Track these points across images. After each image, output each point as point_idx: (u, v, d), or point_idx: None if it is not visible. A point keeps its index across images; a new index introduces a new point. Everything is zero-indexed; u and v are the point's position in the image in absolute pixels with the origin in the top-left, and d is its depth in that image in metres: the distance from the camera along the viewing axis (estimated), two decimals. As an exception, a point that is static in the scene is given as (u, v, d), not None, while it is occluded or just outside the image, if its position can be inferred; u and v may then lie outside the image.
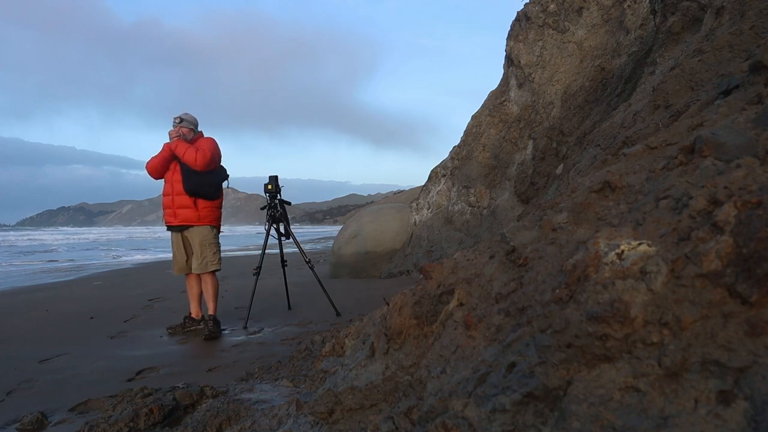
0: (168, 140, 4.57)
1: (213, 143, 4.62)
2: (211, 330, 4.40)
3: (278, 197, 5.23)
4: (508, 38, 7.61)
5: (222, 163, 4.75)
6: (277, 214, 5.22)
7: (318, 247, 20.24)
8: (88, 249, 23.17)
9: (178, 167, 4.55)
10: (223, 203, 4.85)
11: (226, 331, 4.59)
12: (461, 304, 1.20)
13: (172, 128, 4.56)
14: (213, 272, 4.66)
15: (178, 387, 2.49)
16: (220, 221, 4.74)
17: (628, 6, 5.91)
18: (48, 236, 46.70)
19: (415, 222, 8.74)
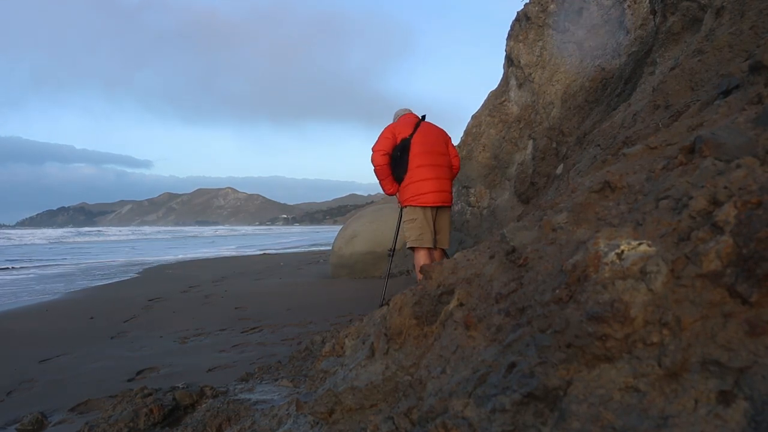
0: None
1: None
2: None
3: None
4: (508, 38, 7.61)
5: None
6: None
7: (318, 247, 20.27)
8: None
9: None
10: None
11: (226, 331, 4.60)
12: (461, 304, 1.19)
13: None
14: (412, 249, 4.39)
15: (178, 387, 2.49)
16: (406, 201, 4.37)
17: (628, 6, 5.91)
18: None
19: (415, 222, 8.74)
